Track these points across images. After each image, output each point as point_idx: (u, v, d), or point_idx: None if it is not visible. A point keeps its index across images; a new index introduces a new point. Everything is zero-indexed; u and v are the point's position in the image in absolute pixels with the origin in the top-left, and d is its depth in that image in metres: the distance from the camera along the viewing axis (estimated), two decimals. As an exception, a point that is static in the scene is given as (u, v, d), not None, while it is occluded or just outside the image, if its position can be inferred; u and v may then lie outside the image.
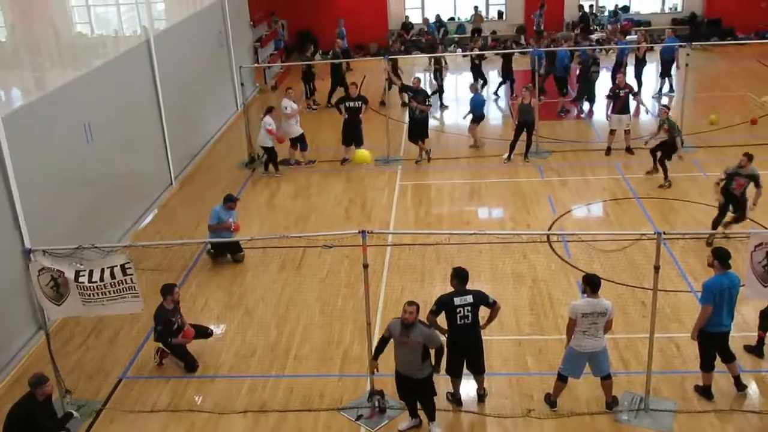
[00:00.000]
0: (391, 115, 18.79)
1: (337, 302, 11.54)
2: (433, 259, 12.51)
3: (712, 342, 8.85)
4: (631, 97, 16.85)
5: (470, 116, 17.71)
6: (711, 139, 17.32)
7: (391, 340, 8.48)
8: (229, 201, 12.90)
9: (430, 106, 17.31)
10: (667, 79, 21.45)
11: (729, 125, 18.22)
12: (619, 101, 16.60)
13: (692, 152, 16.66)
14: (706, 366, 8.96)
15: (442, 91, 21.96)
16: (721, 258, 8.72)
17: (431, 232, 13.14)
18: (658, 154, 15.16)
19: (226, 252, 12.94)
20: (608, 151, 16.86)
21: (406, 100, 18.51)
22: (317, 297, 11.72)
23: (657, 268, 8.33)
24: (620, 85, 16.74)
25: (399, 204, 15.07)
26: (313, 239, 11.86)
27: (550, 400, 9.00)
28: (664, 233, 8.44)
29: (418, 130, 17.06)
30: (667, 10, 29.32)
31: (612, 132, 16.87)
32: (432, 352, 8.41)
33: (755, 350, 9.78)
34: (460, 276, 8.87)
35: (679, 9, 29.27)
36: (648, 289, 10.06)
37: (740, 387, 9.07)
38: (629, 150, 16.79)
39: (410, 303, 8.29)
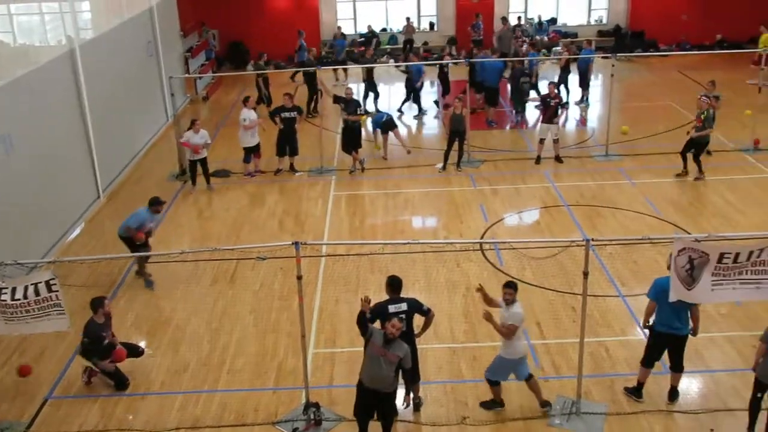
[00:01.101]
0: (325, 125, 18.78)
1: (271, 315, 11.42)
2: (368, 269, 12.51)
3: (658, 340, 8.99)
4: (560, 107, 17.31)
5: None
6: (636, 148, 17.84)
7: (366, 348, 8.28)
8: (156, 204, 12.34)
9: (362, 115, 17.33)
10: (583, 90, 22.00)
11: (653, 134, 18.80)
12: (548, 111, 16.96)
13: (618, 161, 17.12)
14: (646, 362, 9.14)
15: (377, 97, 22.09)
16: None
17: (365, 242, 13.15)
18: (689, 155, 15.77)
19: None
20: (538, 159, 17.19)
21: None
22: (251, 310, 11.58)
23: (586, 274, 8.52)
24: (550, 95, 17.10)
25: (333, 214, 15.03)
26: (247, 251, 11.73)
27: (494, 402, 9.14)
28: (593, 240, 8.64)
29: (352, 140, 17.07)
30: (592, 23, 30.11)
31: (541, 141, 17.21)
32: (407, 375, 8.27)
33: None
34: (393, 284, 8.90)
35: (605, 21, 30.10)
36: (578, 295, 10.27)
37: (672, 396, 9.21)
38: (558, 159, 17.15)
39: (400, 319, 8.20)
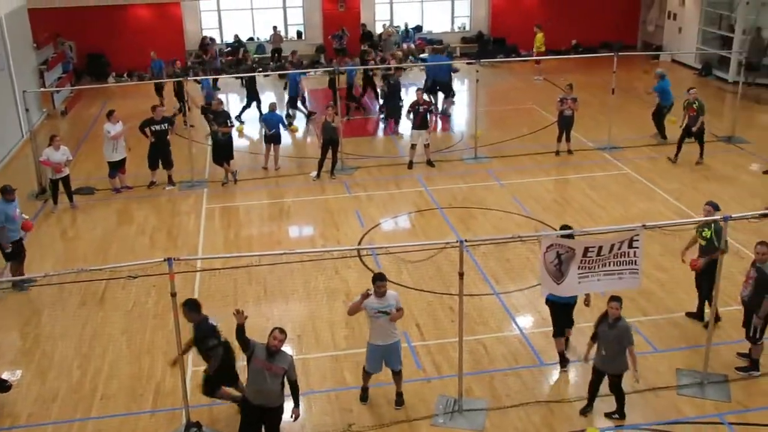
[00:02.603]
0: (194, 137, 18.33)
1: (146, 334, 11.00)
2: (246, 282, 12.31)
3: (553, 310, 9.78)
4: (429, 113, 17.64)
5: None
6: (503, 150, 18.46)
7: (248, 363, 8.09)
8: (7, 192, 11.96)
9: (232, 126, 17.00)
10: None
11: (518, 136, 19.53)
12: (418, 117, 17.25)
13: (486, 162, 17.66)
14: (555, 333, 9.92)
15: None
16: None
17: (241, 255, 12.90)
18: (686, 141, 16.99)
19: None
20: (410, 165, 17.46)
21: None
22: (123, 330, 11.11)
23: (461, 275, 8.70)
24: (419, 102, 17.36)
25: (207, 228, 14.68)
26: (116, 271, 11.22)
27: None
28: (466, 241, 8.85)
29: (223, 152, 16.74)
30: (456, 30, 30.98)
31: (413, 146, 17.50)
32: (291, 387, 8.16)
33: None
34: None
35: (468, 28, 31.06)
36: (455, 295, 10.48)
37: (563, 363, 9.93)
38: (430, 163, 17.48)
39: (281, 331, 8.02)
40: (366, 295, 8.86)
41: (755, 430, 8.78)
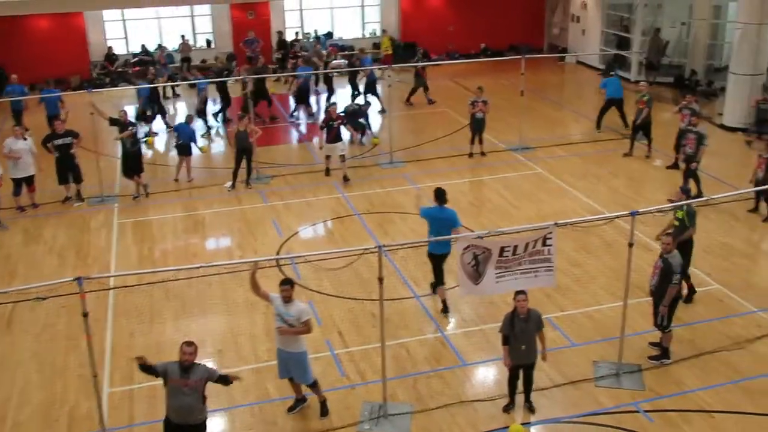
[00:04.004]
0: (103, 150, 17.78)
1: (58, 357, 10.58)
2: (162, 298, 12.01)
3: (434, 263, 11.21)
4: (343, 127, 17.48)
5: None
6: (417, 154, 18.62)
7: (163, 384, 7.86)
8: None
9: (134, 131, 16.48)
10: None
11: (432, 139, 19.74)
12: (331, 132, 16.76)
13: (402, 167, 17.77)
14: (437, 284, 11.38)
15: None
16: (437, 194, 11.24)
17: (156, 270, 12.57)
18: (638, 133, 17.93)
19: None
20: (327, 171, 17.37)
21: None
22: (33, 354, 10.65)
23: (381, 279, 8.71)
24: (332, 116, 16.90)
25: (119, 244, 14.24)
26: (24, 292, 10.72)
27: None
28: (385, 246, 8.87)
29: (132, 164, 16.28)
30: (367, 35, 31.09)
31: (327, 158, 17.28)
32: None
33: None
34: None
35: (378, 34, 31.20)
36: (375, 300, 10.47)
37: (445, 310, 11.27)
38: (345, 178, 16.88)
39: (188, 344, 7.79)
40: (255, 269, 8.88)
41: (669, 416, 9.10)
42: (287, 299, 8.73)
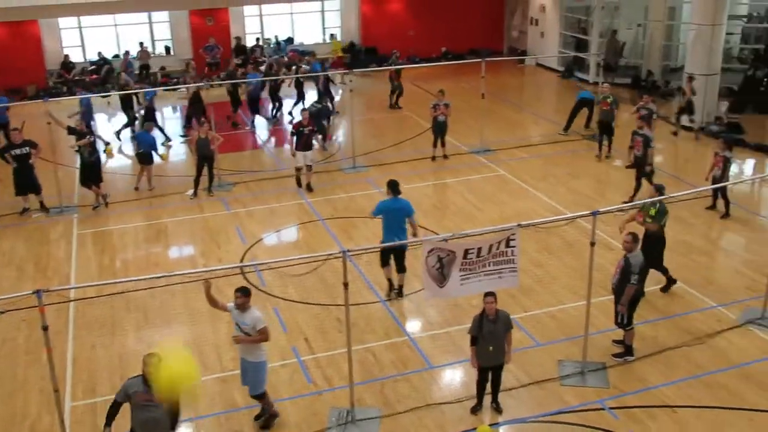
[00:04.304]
0: (61, 160, 17.48)
1: (18, 372, 10.35)
2: (123, 309, 11.84)
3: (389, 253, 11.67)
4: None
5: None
6: (380, 158, 18.64)
7: (128, 404, 7.67)
8: None
9: (92, 139, 16.23)
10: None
11: (395, 143, 19.78)
12: (302, 138, 16.32)
13: (365, 171, 17.77)
14: (382, 264, 11.96)
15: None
16: (390, 186, 11.66)
17: (117, 281, 12.38)
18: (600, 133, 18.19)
19: None
20: (299, 182, 16.78)
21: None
22: (-8, 370, 10.43)
23: (346, 285, 8.69)
24: (303, 123, 16.40)
25: (79, 255, 14.01)
26: (-20, 307, 10.55)
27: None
28: (349, 250, 8.85)
29: (91, 174, 16.04)
30: (328, 40, 31.08)
31: (298, 169, 16.71)
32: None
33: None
34: None
35: (339, 39, 31.21)
36: (341, 305, 10.46)
37: (399, 293, 11.84)
38: (309, 187, 16.68)
39: (149, 355, 7.60)
40: (208, 286, 8.77)
41: (633, 413, 9.22)
42: (241, 307, 8.64)
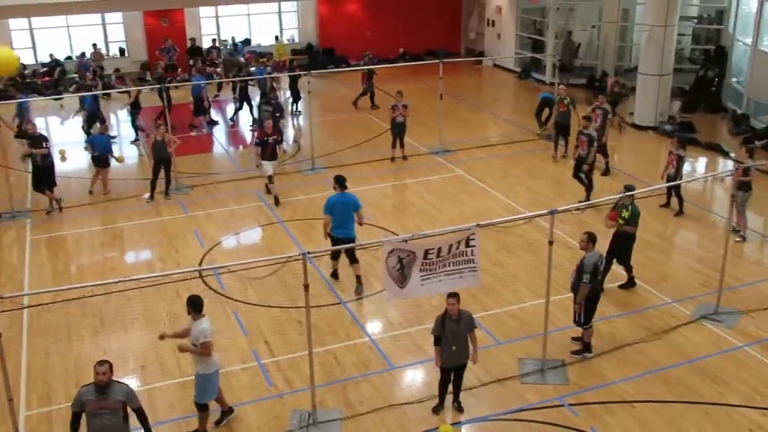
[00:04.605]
0: (12, 164, 17.11)
1: (-30, 382, 10.10)
2: (80, 315, 11.63)
3: (333, 242, 11.99)
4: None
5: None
6: (339, 159, 18.60)
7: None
8: None
9: (47, 149, 15.92)
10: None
11: (354, 144, 19.76)
12: (268, 148, 15.83)
13: (324, 173, 17.70)
14: (333, 257, 12.54)
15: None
16: (337, 180, 12.22)
17: (72, 287, 12.14)
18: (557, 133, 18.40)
19: None
20: (277, 201, 16.04)
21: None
22: (-57, 381, 10.14)
23: (306, 287, 8.64)
24: (268, 132, 15.84)
25: (32, 261, 13.71)
26: (-70, 315, 10.27)
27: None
28: (309, 252, 8.81)
29: (43, 178, 15.72)
30: (285, 42, 30.92)
31: (270, 178, 16.14)
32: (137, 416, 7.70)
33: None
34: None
35: (297, 40, 31.10)
36: (302, 308, 10.40)
37: (358, 284, 12.06)
38: (276, 201, 16.03)
39: (101, 363, 7.50)
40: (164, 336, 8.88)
41: (592, 409, 9.33)
42: (192, 317, 8.58)
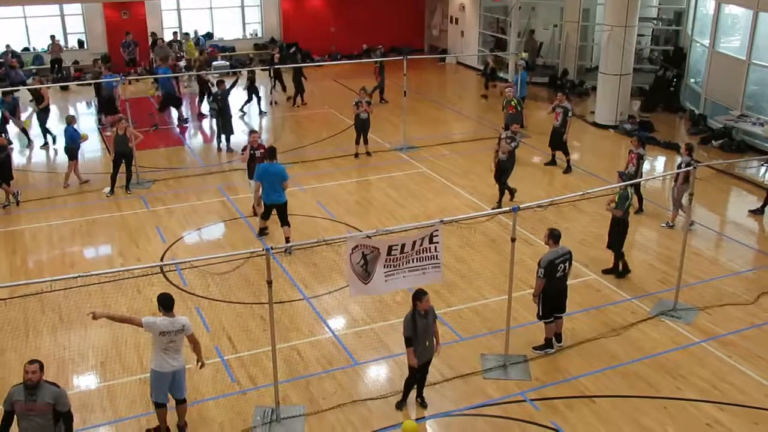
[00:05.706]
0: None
1: (-77, 380, 9.87)
2: (38, 311, 11.42)
3: (272, 209, 13.18)
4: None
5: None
6: (302, 155, 18.54)
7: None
8: None
9: (4, 141, 15.58)
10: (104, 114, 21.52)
11: (317, 140, 19.71)
12: (253, 163, 14.35)
13: (287, 168, 17.56)
14: (263, 217, 13.61)
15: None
16: (269, 152, 13.16)
17: (30, 282, 11.87)
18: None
19: None
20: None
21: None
22: None
23: (270, 282, 8.60)
24: (253, 145, 14.64)
25: (-12, 256, 13.45)
26: None
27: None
28: (272, 248, 8.77)
29: (0, 172, 15.37)
30: (248, 36, 30.70)
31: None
32: (61, 420, 7.47)
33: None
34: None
35: (260, 35, 30.88)
36: (265, 304, 10.34)
37: (287, 242, 12.68)
38: (256, 213, 14.96)
39: (31, 362, 7.34)
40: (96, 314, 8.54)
41: (553, 404, 9.45)
42: (165, 315, 8.49)
